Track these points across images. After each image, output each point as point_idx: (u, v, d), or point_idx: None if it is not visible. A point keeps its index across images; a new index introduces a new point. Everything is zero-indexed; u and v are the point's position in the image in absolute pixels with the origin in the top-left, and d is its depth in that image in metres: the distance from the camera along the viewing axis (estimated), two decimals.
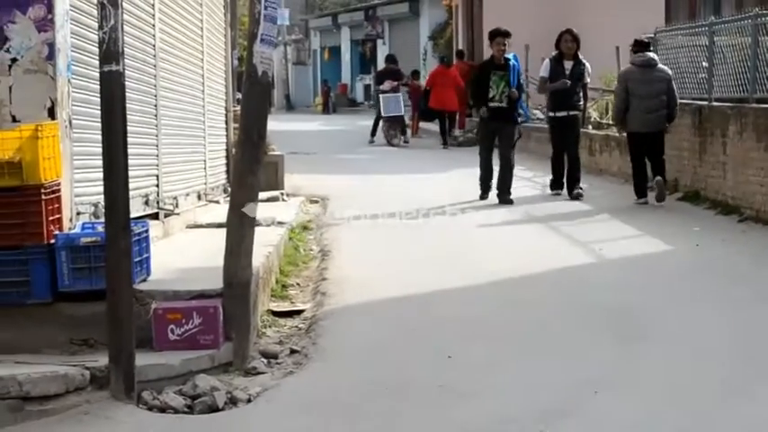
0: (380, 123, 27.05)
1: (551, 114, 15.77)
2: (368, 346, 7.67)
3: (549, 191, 15.62)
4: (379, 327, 8.18)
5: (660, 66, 14.46)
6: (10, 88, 7.55)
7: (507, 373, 6.96)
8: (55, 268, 7.12)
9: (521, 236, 12.23)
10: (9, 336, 7.09)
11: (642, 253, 10.97)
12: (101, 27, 6.55)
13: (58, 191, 7.33)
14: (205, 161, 13.07)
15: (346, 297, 9.07)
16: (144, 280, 7.64)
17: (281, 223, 11.67)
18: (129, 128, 6.79)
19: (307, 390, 6.79)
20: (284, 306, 9.06)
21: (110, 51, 6.55)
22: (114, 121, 6.60)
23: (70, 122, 7.86)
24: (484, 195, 15.11)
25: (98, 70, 6.72)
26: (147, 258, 7.78)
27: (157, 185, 10.50)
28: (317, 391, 6.73)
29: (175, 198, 11.18)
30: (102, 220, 7.11)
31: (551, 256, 10.79)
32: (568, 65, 15.25)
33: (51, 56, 7.56)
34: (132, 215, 7.03)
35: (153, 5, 10.46)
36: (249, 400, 6.62)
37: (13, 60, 7.54)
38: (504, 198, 14.77)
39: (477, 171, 15.26)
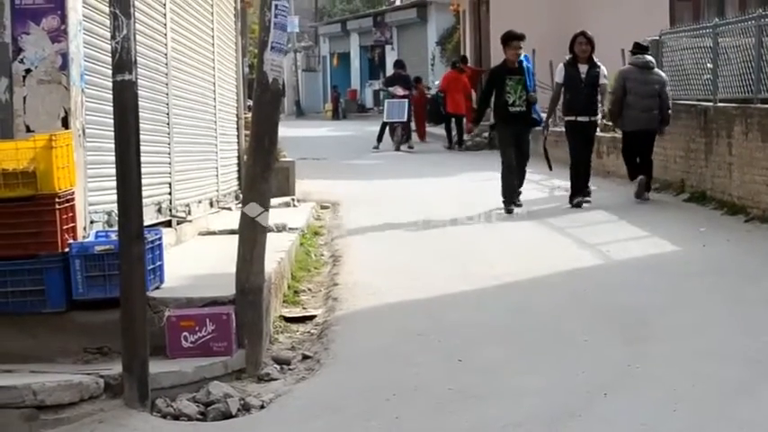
0: (386, 129, 26.98)
1: (568, 119, 14.71)
2: (379, 350, 7.62)
3: (568, 204, 14.35)
4: (390, 331, 8.13)
5: (656, 69, 14.86)
6: (24, 98, 7.55)
7: (517, 376, 6.90)
8: (69, 277, 7.10)
9: (529, 239, 12.15)
10: (23, 344, 7.07)
11: (650, 254, 10.90)
12: (113, 37, 6.52)
13: (72, 200, 7.31)
14: (217, 168, 13.04)
15: (358, 302, 9.02)
16: (157, 287, 7.61)
17: (292, 229, 11.63)
18: (141, 136, 6.75)
19: (319, 395, 6.75)
20: (296, 312, 9.01)
21: (122, 61, 6.53)
22: (127, 130, 6.57)
23: (84, 131, 7.84)
24: (510, 209, 13.90)
25: (111, 79, 6.68)
26: (161, 266, 7.75)
27: (170, 193, 10.47)
28: (330, 397, 6.69)
29: (188, 205, 11.15)
30: (116, 228, 7.09)
31: (559, 258, 10.73)
32: (583, 69, 14.35)
33: (65, 66, 7.55)
34: (145, 223, 7.00)
35: (165, 15, 10.44)
36: (262, 407, 6.59)
37: (27, 71, 7.55)
38: (512, 203, 14.03)
39: (485, 174, 15.15)
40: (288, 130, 24.39)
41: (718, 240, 11.42)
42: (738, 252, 10.84)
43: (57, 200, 7.05)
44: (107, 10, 6.77)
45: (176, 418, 6.47)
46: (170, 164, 10.52)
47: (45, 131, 7.26)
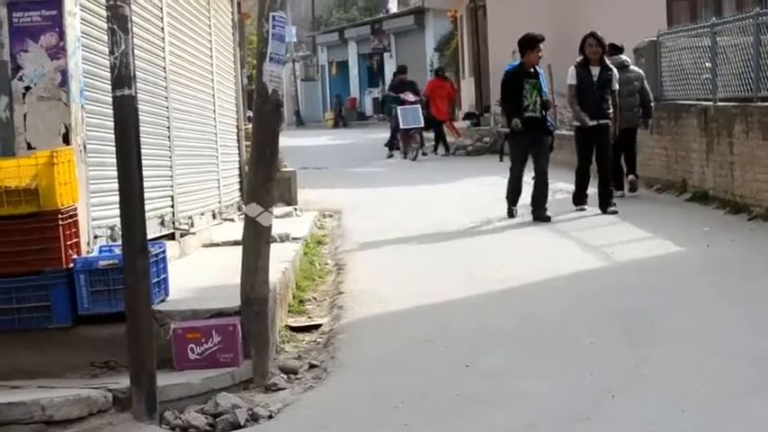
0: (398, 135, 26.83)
1: (577, 124, 14.28)
2: (386, 357, 7.63)
3: (573, 206, 14.24)
4: (396, 338, 8.13)
5: (632, 66, 15.27)
6: (24, 116, 7.57)
7: (525, 380, 6.90)
8: (74, 292, 7.12)
9: (533, 242, 12.17)
10: (31, 360, 7.10)
11: (653, 255, 10.90)
12: (112, 52, 6.54)
13: (75, 215, 7.33)
14: (218, 180, 13.06)
15: (363, 310, 9.03)
16: (162, 300, 7.63)
17: (295, 239, 11.64)
18: (142, 150, 6.76)
19: (328, 404, 6.75)
20: (302, 321, 9.03)
21: (121, 76, 6.54)
22: (128, 145, 6.58)
23: (85, 147, 7.86)
24: (512, 214, 13.80)
25: (110, 95, 6.69)
26: (165, 279, 7.77)
27: (172, 206, 10.48)
28: (339, 405, 6.69)
29: (191, 217, 11.17)
30: (120, 242, 7.10)
31: (563, 261, 10.73)
32: (595, 71, 13.94)
33: (64, 82, 7.58)
34: (149, 236, 7.01)
35: (162, 29, 10.46)
36: (271, 417, 6.59)
37: (27, 88, 7.57)
38: (541, 214, 13.48)
39: (488, 179, 15.12)
40: (288, 140, 24.40)
41: (721, 239, 11.42)
42: (742, 251, 10.84)
43: (60, 216, 7.08)
44: (105, 26, 6.78)
45: (185, 430, 6.48)
46: (172, 177, 10.54)
47: (46, 148, 7.28)
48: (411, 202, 16.66)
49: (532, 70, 13.71)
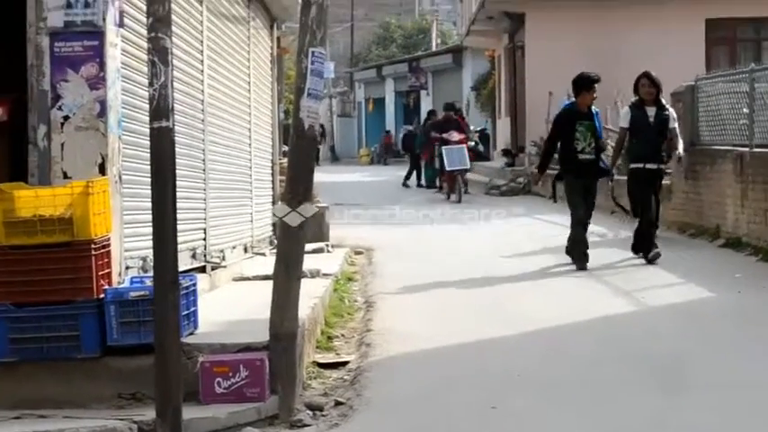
0: (438, 176, 26.52)
1: (634, 166, 13.47)
2: (412, 396, 7.59)
3: (631, 253, 13.57)
4: (424, 377, 8.10)
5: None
6: (62, 145, 7.61)
7: (552, 424, 6.86)
8: (104, 322, 7.14)
9: (562, 284, 12.12)
10: (57, 390, 7.11)
11: (685, 300, 10.83)
12: (151, 84, 6.55)
13: (108, 246, 7.36)
14: (251, 214, 13.10)
15: (391, 348, 9.00)
16: (191, 333, 7.64)
17: (326, 275, 11.66)
18: (177, 182, 6.78)
19: None
20: (329, 357, 9.01)
21: (160, 108, 6.55)
22: (164, 177, 6.58)
23: (120, 178, 7.89)
24: (583, 265, 12.97)
25: (148, 126, 6.71)
26: (195, 312, 7.78)
27: (204, 239, 10.52)
28: None
29: (222, 251, 11.20)
30: (151, 273, 7.12)
31: (594, 305, 10.68)
32: (651, 111, 13.34)
33: (102, 113, 7.62)
34: (180, 269, 7.02)
35: (202, 62, 10.53)
36: None
37: (65, 118, 7.62)
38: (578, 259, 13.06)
39: (521, 220, 15.02)
40: (323, 176, 24.45)
41: (753, 286, 11.34)
42: None
43: (93, 246, 7.11)
44: (145, 57, 6.83)
45: None
46: (205, 210, 10.58)
47: (82, 178, 7.33)
48: (443, 241, 16.63)
49: (587, 111, 13.32)
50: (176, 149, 6.84)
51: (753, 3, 27.72)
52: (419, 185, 29.35)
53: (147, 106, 6.73)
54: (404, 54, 58.94)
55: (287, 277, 7.37)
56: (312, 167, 7.63)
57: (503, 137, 35.18)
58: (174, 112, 6.75)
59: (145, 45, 6.82)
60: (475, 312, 10.51)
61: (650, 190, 13.38)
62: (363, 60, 64.39)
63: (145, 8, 6.70)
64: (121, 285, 7.59)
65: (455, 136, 25.12)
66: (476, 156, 28.38)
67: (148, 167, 6.71)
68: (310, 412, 7.33)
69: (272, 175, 14.69)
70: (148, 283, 7.27)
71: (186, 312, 7.45)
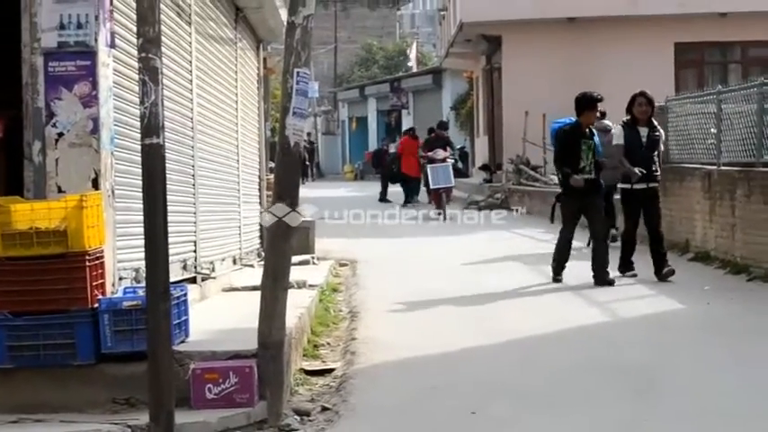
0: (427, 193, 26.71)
1: (627, 187, 13.07)
2: (396, 403, 7.61)
3: (618, 273, 13.07)
4: (407, 384, 8.12)
5: (614, 130, 13.93)
6: (56, 161, 7.61)
7: (528, 429, 6.89)
8: (98, 331, 7.14)
9: (540, 297, 12.15)
10: (54, 395, 7.11)
11: (656, 311, 10.88)
12: (142, 102, 6.57)
13: (102, 257, 7.36)
14: (240, 227, 13.11)
15: (374, 356, 9.03)
16: (183, 341, 7.64)
17: (312, 286, 11.68)
18: (168, 196, 6.80)
19: None
20: (316, 365, 9.02)
21: (151, 125, 6.57)
22: (155, 192, 6.60)
23: (113, 192, 7.90)
24: (558, 277, 12.96)
25: (139, 143, 6.73)
26: (186, 320, 7.79)
27: (195, 251, 10.53)
28: None
29: (212, 263, 11.21)
30: (143, 284, 7.13)
31: (570, 315, 10.72)
32: (644, 132, 12.99)
33: (95, 130, 7.62)
34: (171, 279, 7.02)
35: (191, 81, 10.56)
36: None
37: (60, 134, 7.61)
38: (604, 278, 12.59)
39: (503, 234, 15.01)
40: (309, 191, 24.45)
41: (721, 298, 11.40)
42: (742, 310, 10.82)
43: (87, 257, 7.12)
44: (136, 77, 6.85)
45: None
46: (195, 223, 10.59)
47: (76, 192, 7.33)
48: (424, 253, 16.69)
49: (588, 131, 13.04)
50: (167, 165, 6.86)
51: (719, 28, 28.03)
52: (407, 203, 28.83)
53: (139, 123, 6.74)
54: (385, 75, 59.12)
55: (274, 288, 7.38)
56: (298, 183, 7.66)
57: (481, 155, 35.29)
58: (165, 129, 6.77)
59: (136, 65, 6.85)
60: (456, 322, 10.54)
61: (640, 210, 13.07)
62: (347, 81, 64.51)
63: (135, 29, 6.72)
64: (115, 295, 7.60)
65: (440, 154, 24.79)
66: (456, 172, 28.34)
67: (140, 182, 6.73)
68: (298, 417, 7.35)
69: (260, 190, 14.71)
70: (141, 293, 7.27)
71: (177, 321, 7.46)
